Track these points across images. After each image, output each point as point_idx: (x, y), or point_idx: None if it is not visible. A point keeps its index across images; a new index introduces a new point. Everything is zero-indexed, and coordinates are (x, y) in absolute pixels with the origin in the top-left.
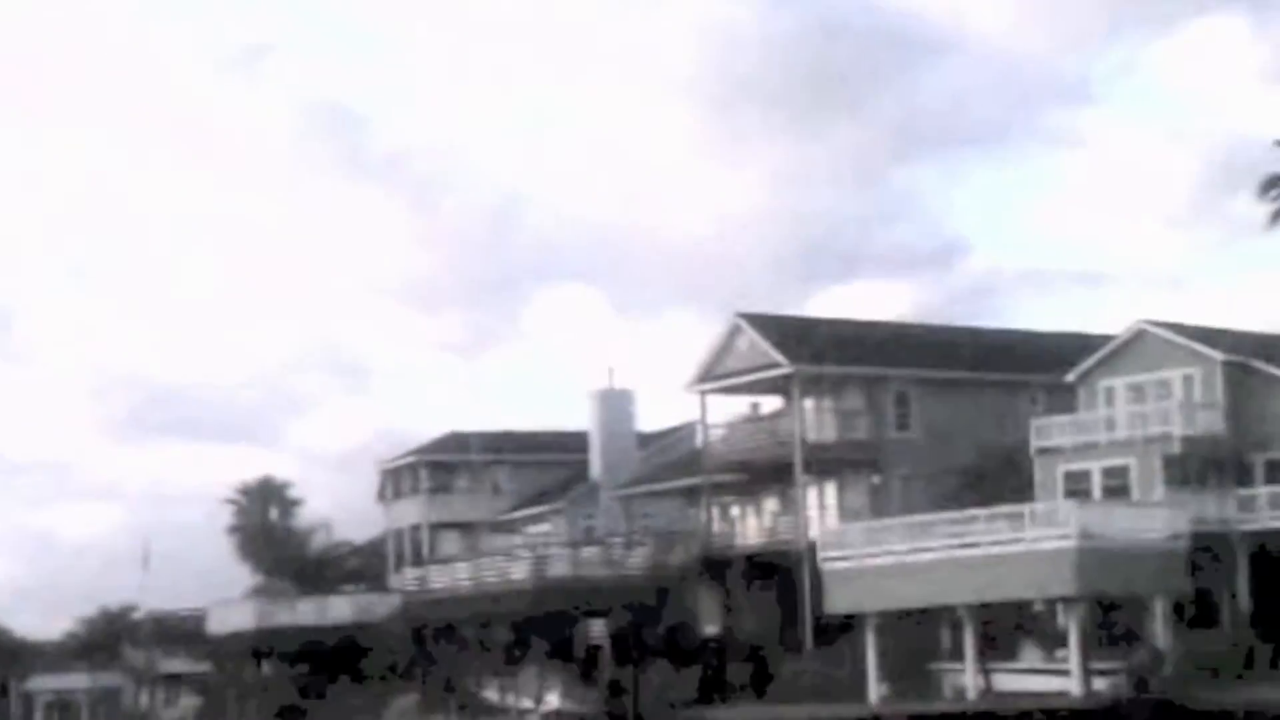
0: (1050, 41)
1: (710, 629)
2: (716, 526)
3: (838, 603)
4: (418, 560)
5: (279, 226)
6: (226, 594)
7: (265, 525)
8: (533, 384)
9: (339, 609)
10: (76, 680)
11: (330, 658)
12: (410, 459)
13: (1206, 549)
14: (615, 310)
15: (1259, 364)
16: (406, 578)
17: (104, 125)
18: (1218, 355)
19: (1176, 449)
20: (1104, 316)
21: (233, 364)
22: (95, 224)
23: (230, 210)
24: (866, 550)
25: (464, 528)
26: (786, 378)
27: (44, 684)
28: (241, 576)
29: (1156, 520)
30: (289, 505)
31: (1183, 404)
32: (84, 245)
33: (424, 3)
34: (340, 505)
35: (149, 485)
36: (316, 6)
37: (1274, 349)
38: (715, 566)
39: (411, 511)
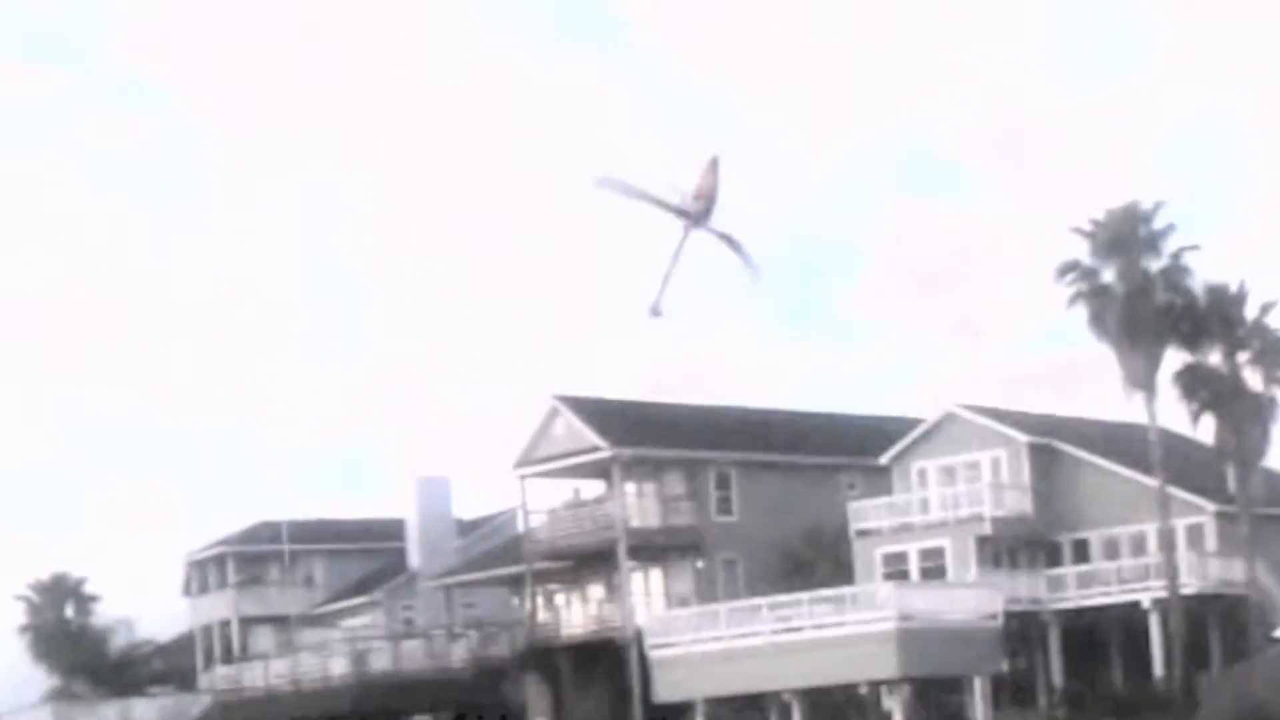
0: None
1: None
2: (541, 615)
3: (667, 690)
4: (228, 657)
5: (80, 282)
6: (19, 699)
7: (60, 624)
8: (346, 470)
9: (144, 712)
10: None
11: None
12: (217, 550)
13: (1021, 628)
14: (430, 393)
15: (1063, 445)
16: (217, 676)
17: None
18: (1023, 437)
19: (988, 530)
20: (918, 400)
21: (18, 442)
22: None
23: (31, 269)
24: (693, 636)
25: (277, 622)
26: (607, 461)
27: None
28: (36, 680)
29: (972, 601)
30: (85, 601)
31: (992, 485)
32: None
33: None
34: (142, 601)
35: None
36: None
37: (1077, 431)
38: (542, 656)
39: (220, 605)
